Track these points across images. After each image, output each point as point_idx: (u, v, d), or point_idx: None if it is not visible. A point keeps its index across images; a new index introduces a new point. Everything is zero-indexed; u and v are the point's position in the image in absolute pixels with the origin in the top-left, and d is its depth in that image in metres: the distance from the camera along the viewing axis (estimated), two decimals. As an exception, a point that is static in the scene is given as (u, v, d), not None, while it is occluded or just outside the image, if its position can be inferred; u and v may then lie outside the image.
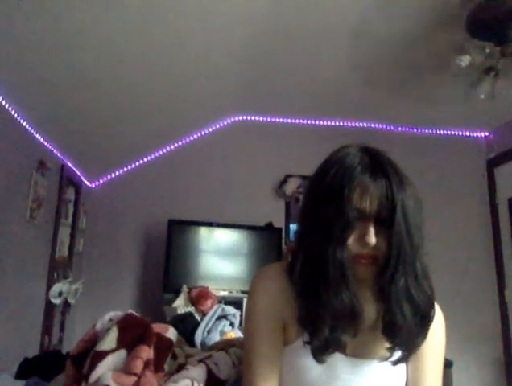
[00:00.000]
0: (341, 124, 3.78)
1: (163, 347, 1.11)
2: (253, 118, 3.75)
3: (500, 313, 3.46)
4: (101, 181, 3.54)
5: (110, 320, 1.14)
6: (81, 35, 1.92)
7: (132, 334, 1.07)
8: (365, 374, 0.83)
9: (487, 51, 2.18)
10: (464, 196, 3.68)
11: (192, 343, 1.50)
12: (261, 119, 3.76)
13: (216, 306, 1.78)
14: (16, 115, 2.17)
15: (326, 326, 0.76)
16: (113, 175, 3.55)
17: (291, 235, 3.51)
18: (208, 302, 2.35)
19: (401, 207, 0.76)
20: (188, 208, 3.43)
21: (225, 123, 3.71)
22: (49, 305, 2.68)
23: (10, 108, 2.10)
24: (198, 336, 1.54)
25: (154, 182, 3.55)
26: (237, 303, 2.56)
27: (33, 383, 1.18)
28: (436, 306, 0.83)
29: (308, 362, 0.80)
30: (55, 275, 2.76)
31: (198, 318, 1.79)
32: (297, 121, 3.78)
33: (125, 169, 3.56)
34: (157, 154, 3.60)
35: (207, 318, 1.65)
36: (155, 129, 3.23)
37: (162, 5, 1.94)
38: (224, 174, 3.62)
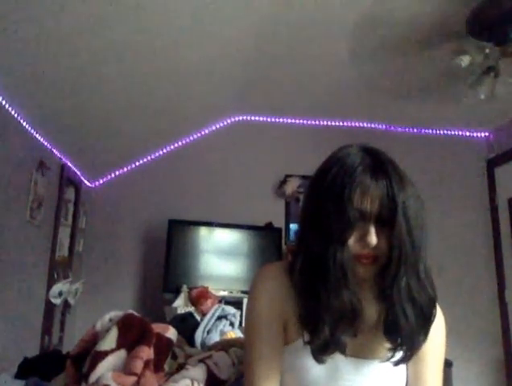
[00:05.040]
0: (341, 124, 3.78)
1: (163, 347, 1.11)
2: (253, 118, 3.75)
3: (500, 313, 3.46)
4: (101, 181, 3.54)
5: (110, 320, 1.14)
6: (81, 35, 1.92)
7: (132, 334, 1.07)
8: (365, 374, 0.83)
9: (487, 51, 2.18)
10: (464, 196, 3.68)
11: (192, 343, 1.50)
12: (261, 119, 3.76)
13: (216, 306, 1.78)
14: (16, 115, 2.17)
15: (326, 326, 0.76)
16: (113, 175, 3.54)
17: (291, 235, 3.51)
18: (208, 302, 2.35)
19: (402, 208, 0.76)
20: (188, 208, 3.42)
21: (225, 123, 3.71)
22: (49, 305, 2.68)
23: (10, 108, 2.10)
24: (198, 336, 1.54)
25: (154, 182, 3.55)
26: (237, 303, 2.55)
27: (33, 383, 1.18)
28: (437, 306, 0.83)
29: (309, 362, 0.80)
30: (55, 275, 2.75)
31: (198, 318, 1.79)
32: (297, 121, 3.78)
33: (125, 169, 3.56)
34: (157, 154, 3.60)
35: (207, 318, 1.65)
36: (155, 129, 3.23)
37: (162, 5, 1.94)
38: (224, 174, 3.62)
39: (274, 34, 2.39)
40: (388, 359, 0.81)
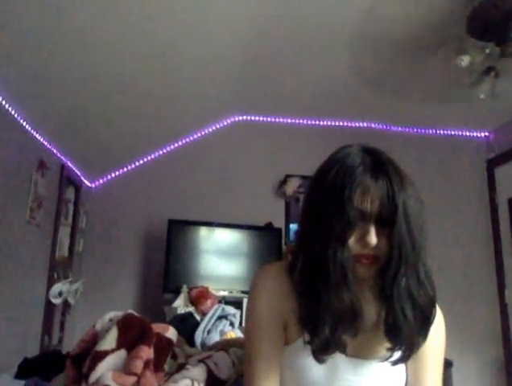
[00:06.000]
0: (341, 124, 3.78)
1: (163, 347, 1.11)
2: (253, 118, 3.75)
3: (500, 313, 3.46)
4: (101, 181, 3.54)
5: (110, 320, 1.14)
6: (81, 35, 1.92)
7: (132, 334, 1.07)
8: (365, 374, 0.83)
9: (487, 51, 2.18)
10: (464, 196, 3.68)
11: (192, 343, 1.50)
12: (261, 119, 3.76)
13: (216, 306, 1.78)
14: (16, 115, 2.17)
15: (326, 326, 0.76)
16: (113, 175, 3.54)
17: (291, 235, 3.51)
18: (208, 302, 2.35)
19: (402, 208, 0.76)
20: (188, 208, 3.42)
21: (225, 123, 3.71)
22: (49, 305, 2.68)
23: (10, 108, 2.10)
24: (198, 336, 1.54)
25: (154, 182, 3.55)
26: (237, 303, 2.56)
27: (33, 383, 1.18)
28: (436, 307, 0.83)
29: (309, 362, 0.80)
30: (55, 275, 2.75)
31: (198, 318, 1.79)
32: (297, 121, 3.78)
33: (125, 169, 3.56)
34: (157, 154, 3.60)
35: (207, 318, 1.65)
36: (155, 129, 3.23)
37: (162, 6, 1.94)
38: (224, 175, 3.62)
39: (274, 34, 2.39)
40: (387, 359, 0.81)
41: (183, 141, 3.64)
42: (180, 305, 2.68)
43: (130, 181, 3.54)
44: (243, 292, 3.02)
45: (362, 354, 0.83)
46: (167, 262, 3.16)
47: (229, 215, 3.35)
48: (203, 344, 1.51)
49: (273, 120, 3.77)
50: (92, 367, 0.99)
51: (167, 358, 1.12)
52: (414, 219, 0.77)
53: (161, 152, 3.61)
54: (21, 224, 2.29)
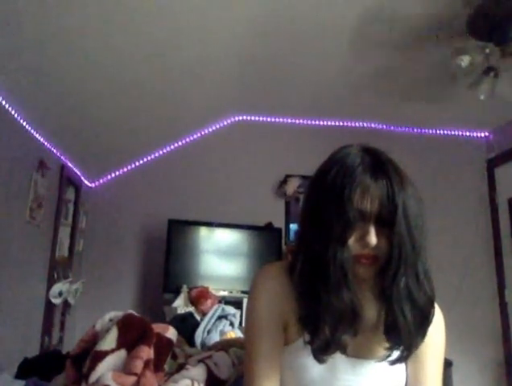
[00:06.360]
0: (341, 124, 3.78)
1: (163, 347, 1.11)
2: (253, 118, 3.75)
3: (500, 313, 3.46)
4: (101, 181, 3.54)
5: (110, 320, 1.14)
6: (81, 35, 1.92)
7: (132, 334, 1.07)
8: (364, 374, 0.83)
9: (487, 51, 2.18)
10: (464, 196, 3.68)
11: (192, 343, 1.50)
12: (261, 119, 3.76)
13: (216, 306, 1.78)
14: (16, 115, 2.17)
15: (327, 326, 0.76)
16: (113, 175, 3.54)
17: (291, 235, 3.51)
18: (208, 302, 2.35)
19: (402, 208, 0.76)
20: (188, 208, 3.42)
21: (225, 123, 3.71)
22: (49, 305, 2.68)
23: (10, 108, 2.10)
24: (198, 336, 1.54)
25: (154, 182, 3.55)
26: (237, 303, 2.56)
27: (33, 383, 1.18)
28: (436, 306, 0.83)
29: (309, 361, 0.80)
30: (55, 275, 2.75)
31: (198, 318, 1.79)
32: (297, 121, 3.78)
33: (125, 169, 3.56)
34: (157, 154, 3.60)
35: (207, 318, 1.65)
36: (155, 129, 3.23)
37: (162, 5, 1.94)
38: (224, 174, 3.62)
39: (273, 34, 2.39)
40: (386, 359, 0.81)
41: (183, 141, 3.64)
42: (180, 305, 2.68)
43: (130, 181, 3.54)
44: (243, 292, 3.02)
45: (362, 354, 0.83)
46: (167, 262, 3.16)
47: (229, 215, 3.35)
48: (203, 344, 1.51)
49: (273, 120, 3.77)
50: (92, 367, 0.99)
51: (167, 358, 1.12)
52: (414, 219, 0.77)
53: (161, 152, 3.61)
54: (21, 224, 2.29)
